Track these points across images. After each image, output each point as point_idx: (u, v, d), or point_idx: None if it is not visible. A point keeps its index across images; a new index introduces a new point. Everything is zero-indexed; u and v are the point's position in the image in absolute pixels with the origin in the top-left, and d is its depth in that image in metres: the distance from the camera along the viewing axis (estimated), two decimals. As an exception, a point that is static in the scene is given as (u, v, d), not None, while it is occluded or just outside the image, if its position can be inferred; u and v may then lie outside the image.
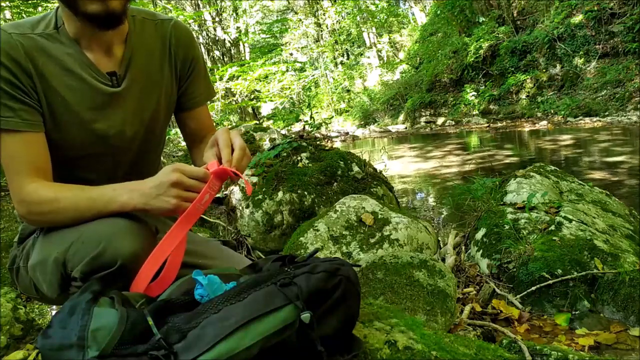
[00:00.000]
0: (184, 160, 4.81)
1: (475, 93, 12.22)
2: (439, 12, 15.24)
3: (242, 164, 1.01)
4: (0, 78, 0.96)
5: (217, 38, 15.06)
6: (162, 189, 0.93)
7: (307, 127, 4.82)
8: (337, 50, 20.63)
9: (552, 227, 2.15)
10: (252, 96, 12.49)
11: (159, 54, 1.15)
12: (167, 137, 1.30)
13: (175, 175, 0.93)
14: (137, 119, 1.13)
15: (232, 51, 15.63)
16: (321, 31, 20.76)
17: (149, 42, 1.13)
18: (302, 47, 21.61)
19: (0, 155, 1.00)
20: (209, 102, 1.36)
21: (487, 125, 10.65)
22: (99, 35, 1.03)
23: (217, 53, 15.10)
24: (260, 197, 2.85)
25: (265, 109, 18.10)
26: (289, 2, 22.09)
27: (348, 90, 19.19)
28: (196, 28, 13.77)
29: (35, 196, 0.98)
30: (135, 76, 1.10)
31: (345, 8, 19.87)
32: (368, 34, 20.56)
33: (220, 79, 9.57)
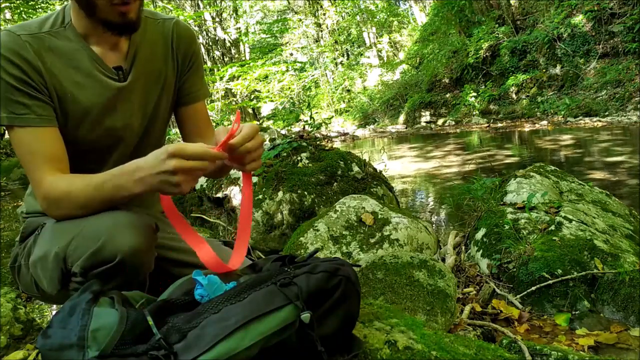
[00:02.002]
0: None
1: (475, 93, 12.22)
2: (438, 12, 15.24)
3: (250, 156, 0.98)
4: (12, 76, 0.98)
5: (217, 38, 15.06)
6: (160, 163, 0.89)
7: (307, 127, 4.82)
8: (337, 50, 20.62)
9: (552, 227, 2.15)
10: (252, 96, 12.49)
11: (161, 49, 1.19)
12: (167, 137, 1.32)
13: (173, 152, 0.88)
14: (142, 112, 1.16)
15: (232, 51, 15.64)
16: (321, 31, 20.75)
17: (152, 38, 1.17)
18: (302, 47, 21.61)
19: (17, 151, 1.03)
20: (207, 102, 1.38)
21: (487, 125, 10.65)
22: (110, 35, 1.06)
23: (217, 53, 15.10)
24: (260, 197, 2.85)
25: (265, 109, 18.11)
26: (289, 2, 22.08)
27: (348, 90, 19.19)
28: (196, 28, 13.78)
29: (53, 189, 0.99)
30: (140, 70, 1.14)
31: (345, 8, 19.87)
32: (368, 34, 20.56)
33: (221, 79, 9.57)
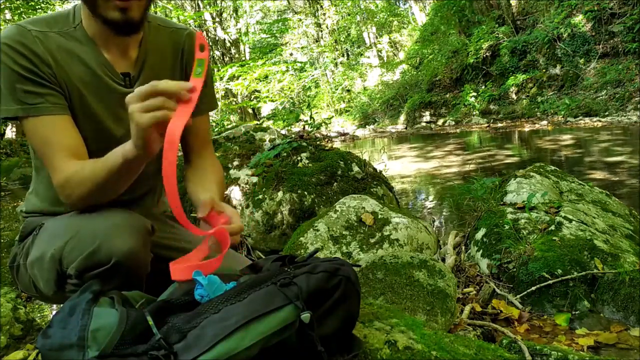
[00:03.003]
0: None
1: (475, 93, 12.22)
2: (438, 12, 15.25)
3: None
4: (23, 67, 0.98)
5: (217, 38, 15.06)
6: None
7: (307, 127, 4.82)
8: (337, 50, 20.62)
9: (552, 227, 2.15)
10: (252, 96, 12.50)
11: (170, 59, 1.17)
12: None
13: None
14: None
15: (232, 51, 15.64)
16: (321, 31, 20.74)
17: (162, 47, 1.15)
18: (302, 47, 21.60)
19: (33, 142, 1.02)
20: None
21: (487, 125, 10.65)
22: (116, 37, 1.05)
23: (217, 53, 15.10)
24: (260, 197, 2.85)
25: (265, 109, 18.10)
26: (289, 2, 22.07)
27: (348, 90, 19.18)
28: (196, 28, 13.77)
29: (66, 173, 0.98)
30: (147, 78, 1.11)
31: (345, 8, 19.86)
32: (368, 34, 20.56)
33: (221, 79, 9.57)
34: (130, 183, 0.99)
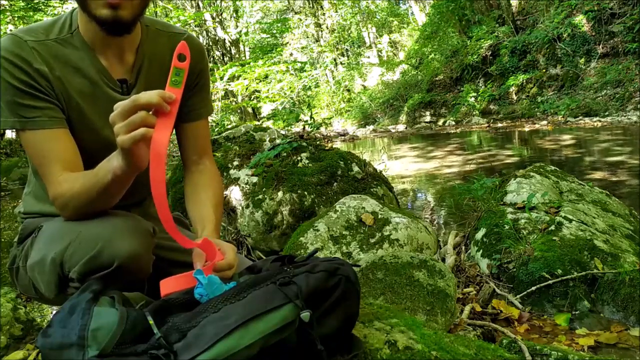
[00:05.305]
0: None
1: (475, 93, 12.22)
2: (438, 12, 15.25)
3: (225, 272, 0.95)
4: (20, 81, 0.97)
5: (217, 38, 15.06)
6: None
7: (307, 127, 4.82)
8: (337, 50, 20.62)
9: (552, 227, 2.15)
10: (252, 96, 12.50)
11: (168, 64, 1.16)
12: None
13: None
14: None
15: (232, 51, 15.64)
16: (321, 31, 20.75)
17: (160, 52, 1.14)
18: (302, 47, 21.60)
19: (29, 153, 1.02)
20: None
21: (488, 125, 10.64)
22: (112, 41, 1.04)
23: (217, 53, 15.10)
24: (260, 197, 2.85)
25: (265, 109, 18.11)
26: (289, 2, 22.07)
27: (348, 90, 19.19)
28: (196, 28, 13.77)
29: (60, 188, 0.98)
30: (144, 84, 1.11)
31: (345, 7, 19.87)
32: (368, 33, 20.56)
33: (221, 79, 9.57)
34: (122, 194, 0.99)
